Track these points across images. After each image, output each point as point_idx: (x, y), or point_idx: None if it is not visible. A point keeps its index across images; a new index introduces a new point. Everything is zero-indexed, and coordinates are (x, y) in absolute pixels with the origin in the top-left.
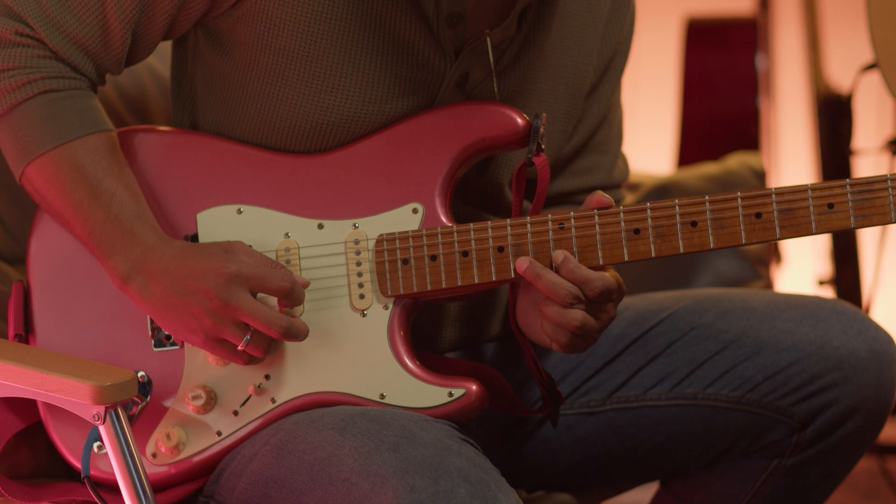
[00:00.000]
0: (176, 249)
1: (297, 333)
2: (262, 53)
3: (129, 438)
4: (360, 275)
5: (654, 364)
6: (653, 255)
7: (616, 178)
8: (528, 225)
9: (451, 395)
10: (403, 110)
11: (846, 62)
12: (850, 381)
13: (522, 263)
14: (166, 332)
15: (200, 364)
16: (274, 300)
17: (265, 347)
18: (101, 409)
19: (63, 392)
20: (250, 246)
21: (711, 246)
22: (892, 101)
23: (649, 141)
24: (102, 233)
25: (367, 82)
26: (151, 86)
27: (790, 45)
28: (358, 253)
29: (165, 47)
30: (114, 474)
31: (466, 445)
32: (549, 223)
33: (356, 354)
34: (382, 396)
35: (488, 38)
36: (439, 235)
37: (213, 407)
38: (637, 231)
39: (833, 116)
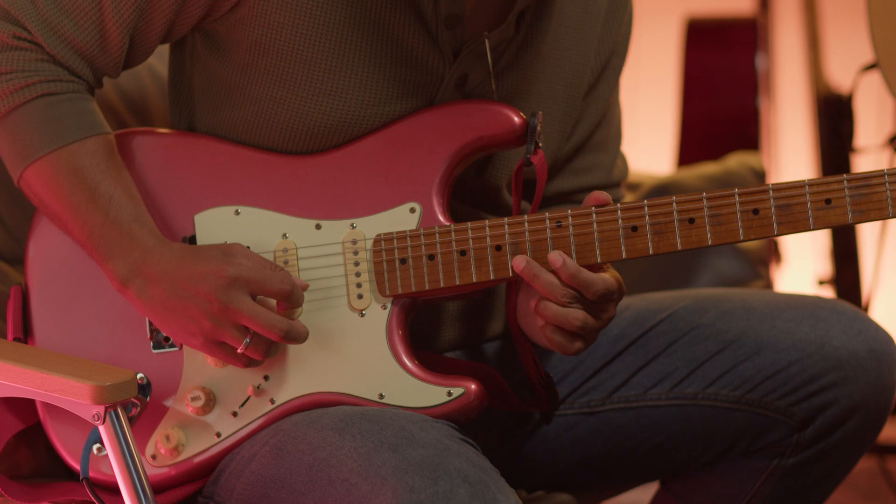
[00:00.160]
0: (175, 252)
1: (297, 336)
2: (260, 56)
3: (129, 439)
4: (358, 275)
5: (654, 364)
6: (651, 252)
7: (615, 177)
8: (526, 223)
9: (450, 394)
10: (402, 112)
11: (846, 62)
12: (850, 381)
13: (520, 262)
14: (165, 334)
15: (199, 365)
16: (273, 303)
17: (265, 350)
18: (100, 409)
19: (63, 392)
20: (248, 247)
21: (709, 243)
22: (892, 100)
23: (649, 141)
24: (101, 236)
25: (366, 85)
26: (152, 87)
27: (790, 45)
28: (356, 253)
29: (166, 48)
30: (113, 477)
31: (466, 446)
32: (547, 221)
33: (355, 354)
34: (381, 396)
35: (487, 40)
36: (437, 235)
37: (213, 408)
38: (635, 228)
39: (833, 116)
